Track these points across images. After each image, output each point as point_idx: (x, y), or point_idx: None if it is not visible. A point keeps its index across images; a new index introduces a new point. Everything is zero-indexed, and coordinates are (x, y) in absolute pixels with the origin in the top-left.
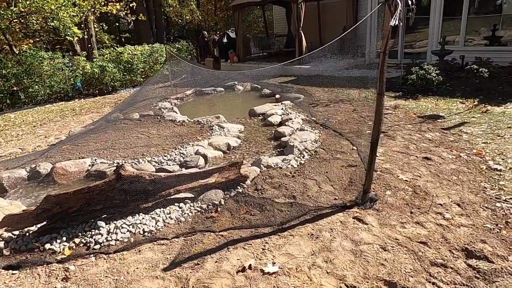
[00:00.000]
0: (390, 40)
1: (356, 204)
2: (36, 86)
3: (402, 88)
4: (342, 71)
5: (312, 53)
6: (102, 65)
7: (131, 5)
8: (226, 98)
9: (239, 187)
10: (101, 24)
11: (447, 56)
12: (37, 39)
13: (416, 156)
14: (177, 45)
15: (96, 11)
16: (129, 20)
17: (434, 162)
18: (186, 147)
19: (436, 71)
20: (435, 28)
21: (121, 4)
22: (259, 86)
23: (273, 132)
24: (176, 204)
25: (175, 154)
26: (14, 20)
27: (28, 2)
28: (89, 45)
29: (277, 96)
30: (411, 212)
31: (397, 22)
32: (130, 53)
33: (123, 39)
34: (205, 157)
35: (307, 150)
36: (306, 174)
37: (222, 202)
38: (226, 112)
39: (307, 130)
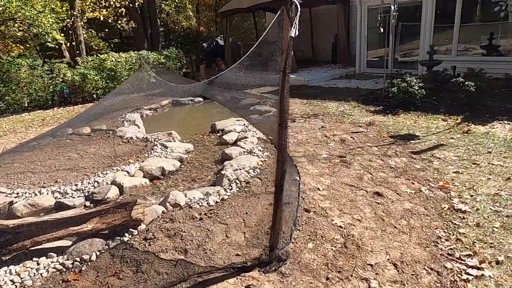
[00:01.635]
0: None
1: (260, 264)
2: (13, 94)
3: (384, 101)
4: (330, 81)
5: (224, 72)
6: (83, 73)
7: (119, 11)
8: (200, 110)
9: (127, 234)
10: (90, 30)
11: (437, 67)
12: (28, 45)
13: (366, 191)
14: (165, 52)
15: (83, 17)
16: (118, 27)
17: (386, 199)
18: (106, 173)
19: (419, 84)
20: (426, 36)
21: (109, 10)
22: (238, 97)
23: (221, 153)
24: (36, 258)
25: (87, 183)
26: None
27: (0, 9)
28: (77, 51)
29: (251, 108)
30: (327, 279)
31: (297, 32)
32: (114, 60)
33: (112, 45)
34: (120, 187)
35: (237, 181)
36: (220, 215)
37: (94, 257)
38: (191, 126)
39: (254, 154)
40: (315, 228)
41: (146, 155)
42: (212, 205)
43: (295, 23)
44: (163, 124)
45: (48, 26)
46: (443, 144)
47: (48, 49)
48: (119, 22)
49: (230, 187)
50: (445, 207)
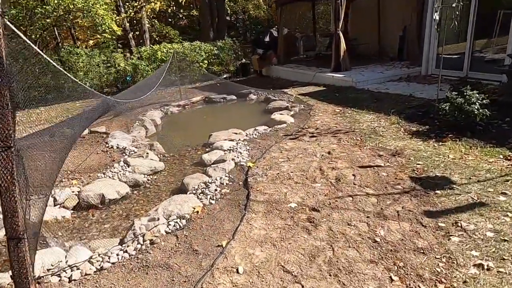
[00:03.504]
0: None
1: None
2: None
3: (435, 119)
4: (384, 83)
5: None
6: (134, 63)
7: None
8: (228, 110)
9: None
10: (153, 20)
11: None
12: (100, 37)
13: None
14: (219, 43)
15: (147, 9)
16: (180, 16)
17: None
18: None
19: (483, 101)
20: None
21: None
22: (272, 97)
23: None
24: None
25: None
26: (60, 16)
27: (56, 1)
28: (141, 41)
29: (273, 115)
30: None
31: None
32: (165, 51)
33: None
34: None
35: (141, 241)
36: None
37: None
38: (197, 132)
39: (205, 191)
40: None
41: (103, 172)
42: (82, 277)
43: None
44: (178, 125)
45: (105, 17)
46: (485, 203)
47: (120, 38)
48: (181, 11)
49: (124, 251)
50: None
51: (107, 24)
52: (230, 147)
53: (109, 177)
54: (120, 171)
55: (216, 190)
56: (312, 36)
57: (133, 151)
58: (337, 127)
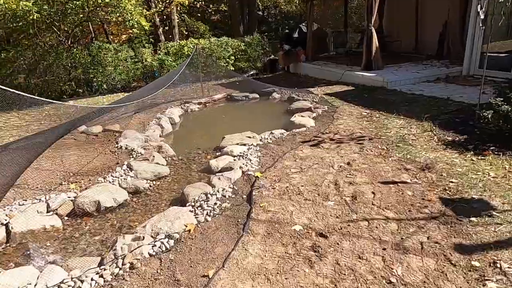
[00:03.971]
0: None
1: None
2: (101, 77)
3: (475, 128)
4: (418, 84)
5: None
6: (161, 58)
7: None
8: (248, 109)
9: None
10: (182, 15)
11: None
12: (131, 32)
13: None
14: (247, 39)
15: (176, 2)
16: (209, 11)
17: None
18: (22, 203)
19: None
20: None
21: None
22: (295, 97)
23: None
24: None
25: None
26: (91, 11)
27: None
28: (170, 36)
29: (293, 117)
30: None
31: None
32: (192, 46)
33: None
34: (8, 231)
35: (120, 264)
36: None
37: None
38: (211, 133)
39: (205, 205)
40: None
41: (103, 177)
42: None
43: None
44: (195, 125)
45: (133, 12)
46: None
47: (152, 33)
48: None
49: (101, 272)
50: None
51: (135, 19)
52: (240, 152)
53: (110, 182)
54: (121, 176)
55: (215, 203)
56: (343, 32)
57: (140, 153)
58: (361, 132)
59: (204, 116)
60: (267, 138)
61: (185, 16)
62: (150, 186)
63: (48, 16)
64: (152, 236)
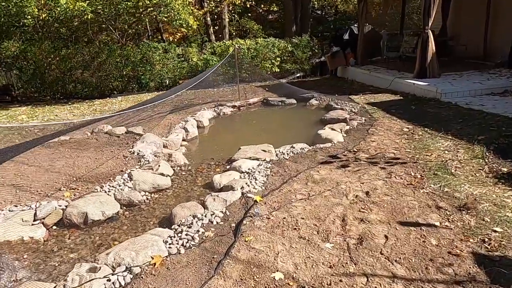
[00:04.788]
0: None
1: None
2: (148, 75)
3: None
4: (480, 97)
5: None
6: (206, 58)
7: None
8: (281, 116)
9: None
10: (233, 14)
11: None
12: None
13: None
14: (295, 40)
15: (227, 2)
16: (260, 11)
17: None
18: (11, 210)
19: None
20: None
21: None
22: (334, 105)
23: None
24: None
25: None
26: (143, 11)
27: None
28: (220, 35)
29: (323, 131)
30: None
31: None
32: (237, 47)
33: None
34: None
35: None
36: None
37: None
38: (236, 140)
39: (183, 234)
40: None
41: (101, 185)
42: None
43: None
44: (221, 130)
45: (180, 11)
46: None
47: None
48: (262, 6)
49: None
50: None
51: (182, 18)
52: (249, 169)
53: (105, 191)
54: (119, 186)
55: (198, 231)
56: (398, 34)
57: (148, 160)
58: (395, 153)
59: (234, 120)
60: (283, 153)
61: (236, 15)
62: (148, 199)
63: (102, 16)
64: (113, 267)
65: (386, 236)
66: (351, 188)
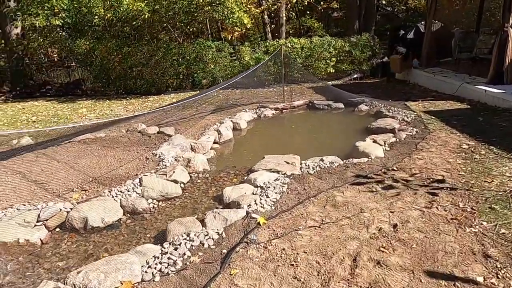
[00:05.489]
0: None
1: None
2: (201, 73)
3: None
4: None
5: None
6: (257, 57)
7: None
8: (324, 121)
9: None
10: (291, 12)
11: None
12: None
13: None
14: (353, 39)
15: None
16: (319, 8)
17: None
18: (16, 210)
19: None
20: None
21: None
22: (385, 111)
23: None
24: None
25: None
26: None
27: None
28: (276, 34)
29: (362, 143)
30: None
31: None
32: (290, 46)
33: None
34: None
35: None
36: None
37: None
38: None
39: (165, 257)
40: None
41: (109, 190)
42: None
43: None
44: (256, 134)
45: (234, 9)
46: None
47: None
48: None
49: None
50: None
51: (235, 16)
52: (264, 183)
53: (113, 196)
54: (128, 191)
55: (184, 254)
56: (473, 33)
57: (165, 165)
58: (444, 176)
59: (272, 124)
60: (308, 167)
61: (293, 13)
62: (153, 207)
63: (161, 15)
64: None
65: None
66: (376, 217)
